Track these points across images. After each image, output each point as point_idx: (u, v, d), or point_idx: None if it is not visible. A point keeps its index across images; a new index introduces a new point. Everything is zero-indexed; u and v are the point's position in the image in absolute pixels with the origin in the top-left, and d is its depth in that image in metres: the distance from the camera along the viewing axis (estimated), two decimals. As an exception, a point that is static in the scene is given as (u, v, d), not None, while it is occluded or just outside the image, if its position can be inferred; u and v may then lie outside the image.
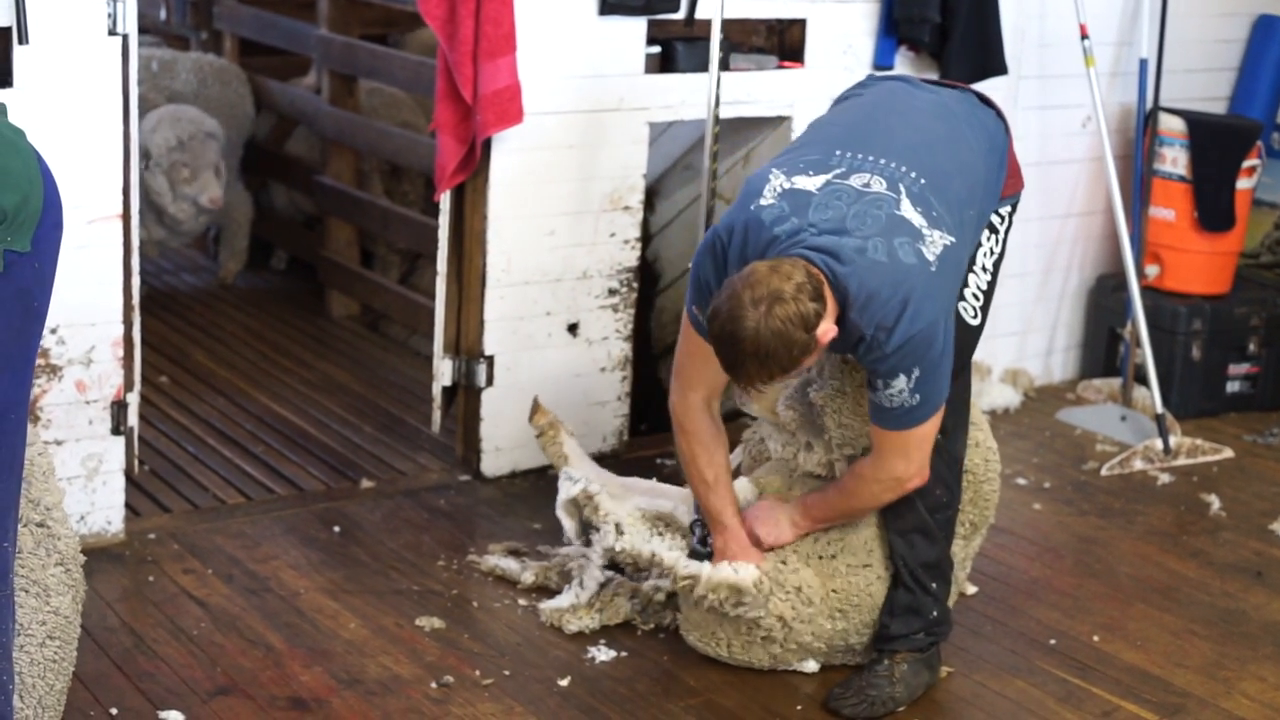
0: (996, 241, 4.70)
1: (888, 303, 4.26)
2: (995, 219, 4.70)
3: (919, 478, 4.54)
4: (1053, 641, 5.17)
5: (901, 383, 4.33)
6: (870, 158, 4.45)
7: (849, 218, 4.32)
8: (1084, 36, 6.83)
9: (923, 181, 4.41)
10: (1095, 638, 5.21)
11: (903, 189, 4.38)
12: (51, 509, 4.08)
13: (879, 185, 4.38)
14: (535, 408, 5.53)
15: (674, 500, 5.15)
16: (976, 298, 4.65)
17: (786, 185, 4.42)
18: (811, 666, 4.89)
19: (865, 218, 4.32)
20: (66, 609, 4.06)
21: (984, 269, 4.67)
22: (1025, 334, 7.47)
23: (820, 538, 4.78)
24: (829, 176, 4.41)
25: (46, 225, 3.55)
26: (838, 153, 4.48)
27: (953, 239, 4.38)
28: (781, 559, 4.76)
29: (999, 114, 4.80)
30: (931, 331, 4.30)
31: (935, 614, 4.77)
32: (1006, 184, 4.72)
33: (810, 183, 4.40)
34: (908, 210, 4.34)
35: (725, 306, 4.21)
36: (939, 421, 4.50)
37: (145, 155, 7.61)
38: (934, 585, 4.75)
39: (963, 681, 4.91)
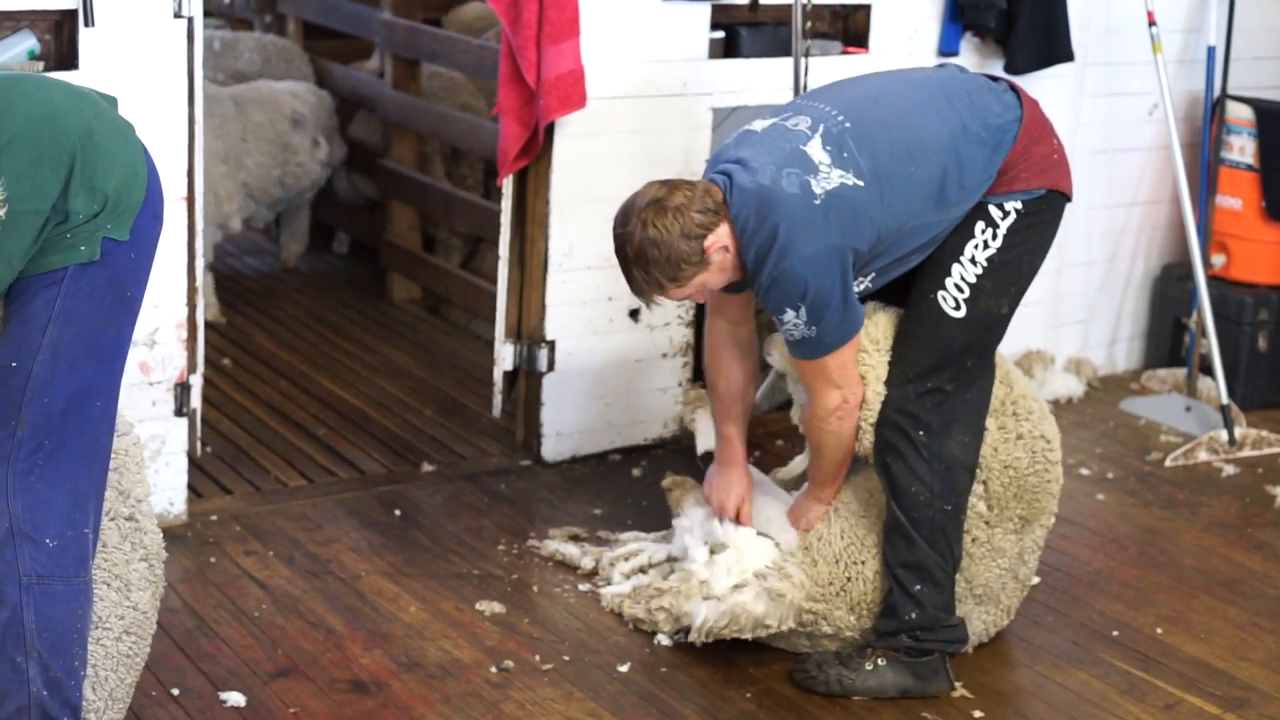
0: (994, 235, 4.57)
1: (759, 230, 4.40)
2: (995, 211, 4.57)
3: (854, 399, 4.62)
4: (1115, 633, 5.13)
5: (791, 315, 4.46)
6: (816, 104, 4.60)
7: (764, 150, 4.48)
8: (1151, 23, 6.77)
9: (847, 125, 4.50)
10: (1158, 630, 5.17)
11: (821, 128, 4.49)
12: (140, 502, 4.06)
13: (804, 124, 4.52)
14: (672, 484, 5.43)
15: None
16: (960, 289, 4.57)
17: (745, 128, 4.63)
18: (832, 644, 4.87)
19: (772, 149, 4.47)
20: (145, 605, 4.06)
21: (973, 260, 4.57)
22: (1089, 323, 7.42)
23: (847, 536, 4.77)
24: (776, 119, 4.58)
25: (146, 216, 3.63)
26: (798, 101, 4.70)
27: (859, 182, 4.43)
28: (812, 559, 4.77)
29: (1023, 114, 4.61)
30: (804, 269, 4.38)
31: (913, 616, 4.66)
32: (1015, 177, 4.58)
33: (760, 124, 4.59)
34: (814, 146, 4.46)
35: (618, 218, 4.55)
36: (852, 353, 4.57)
37: (296, 120, 7.85)
38: (916, 587, 4.65)
39: (1024, 672, 4.88)
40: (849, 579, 4.74)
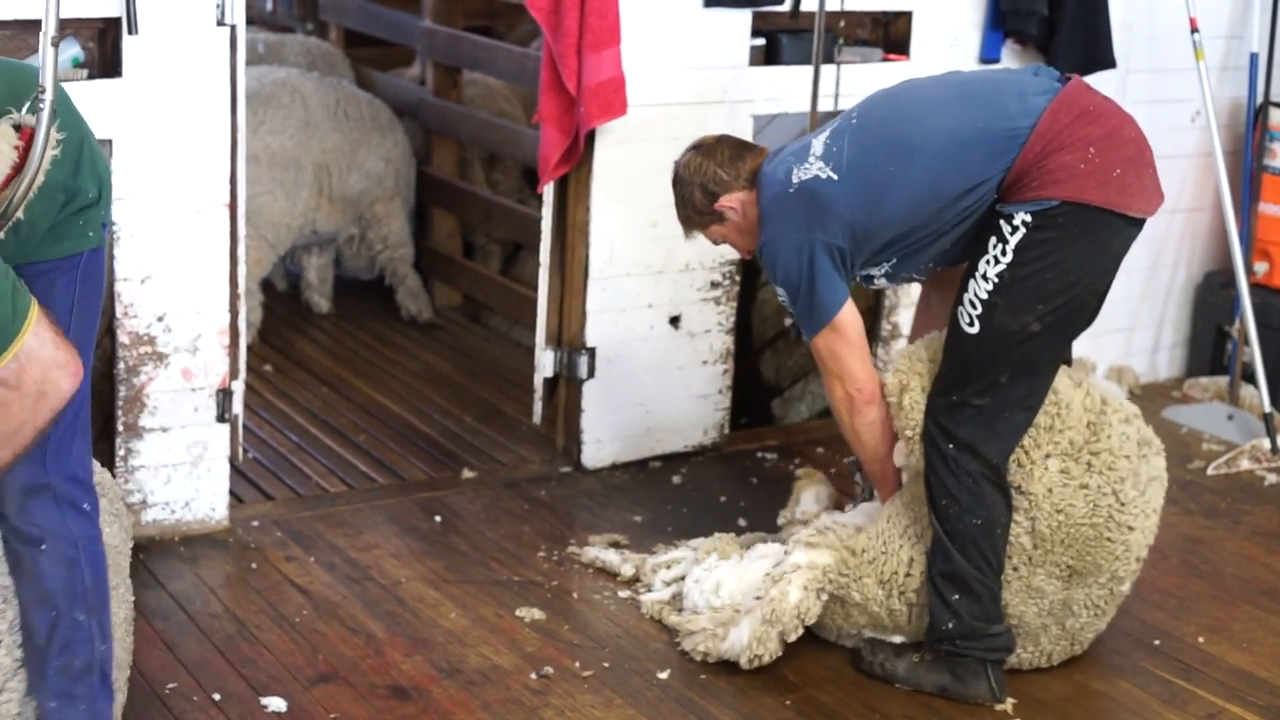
0: (1004, 251, 4.49)
1: (759, 205, 4.75)
2: (1004, 226, 4.49)
3: (859, 396, 4.73)
4: (1157, 642, 5.11)
5: (781, 292, 4.73)
6: (858, 103, 4.81)
7: (802, 140, 4.80)
8: (1194, 30, 6.74)
9: (855, 122, 4.69)
10: (1200, 639, 5.14)
11: (836, 124, 4.74)
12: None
13: (835, 120, 4.79)
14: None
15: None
16: (973, 305, 4.54)
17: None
18: (899, 640, 4.87)
19: (802, 139, 4.80)
20: (115, 538, 4.17)
21: (984, 277, 4.51)
22: (1131, 330, 7.39)
23: (891, 520, 4.82)
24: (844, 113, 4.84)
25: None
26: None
27: (833, 175, 4.59)
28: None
29: (1039, 121, 4.49)
30: (773, 250, 4.67)
31: (950, 626, 4.67)
32: (1026, 186, 4.47)
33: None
34: (819, 139, 4.70)
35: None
36: (840, 343, 4.67)
37: None
38: (954, 597, 4.66)
39: (1065, 681, 4.87)
40: (884, 554, 4.76)
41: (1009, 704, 4.71)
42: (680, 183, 4.91)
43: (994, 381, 4.56)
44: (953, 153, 4.52)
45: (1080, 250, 4.49)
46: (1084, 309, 4.60)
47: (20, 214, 3.48)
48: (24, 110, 3.50)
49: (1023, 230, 4.47)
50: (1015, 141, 4.48)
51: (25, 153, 3.47)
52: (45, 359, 3.51)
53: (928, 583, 4.71)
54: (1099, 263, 4.54)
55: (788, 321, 5.29)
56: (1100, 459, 4.71)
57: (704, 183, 4.83)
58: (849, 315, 4.66)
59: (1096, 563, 4.75)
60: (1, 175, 3.45)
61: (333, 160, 7.48)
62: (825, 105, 6.15)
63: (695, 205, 4.87)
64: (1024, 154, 4.47)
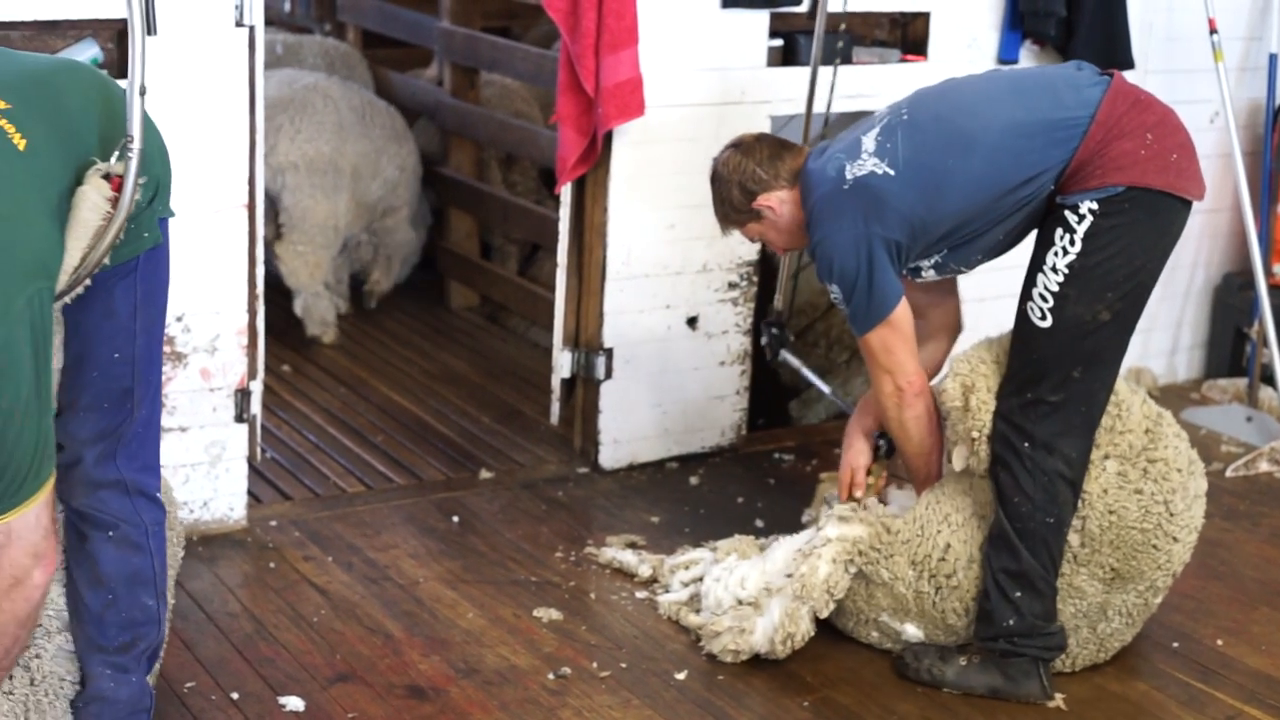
0: (1072, 241, 4.52)
1: (806, 207, 4.75)
2: (1070, 216, 4.53)
3: (909, 388, 4.75)
4: (1175, 644, 5.10)
5: (835, 289, 4.69)
6: (905, 99, 4.80)
7: (844, 137, 4.79)
8: (1213, 31, 6.73)
9: (905, 118, 4.68)
10: (1218, 641, 5.14)
11: (885, 120, 4.71)
12: None
13: (881, 115, 4.77)
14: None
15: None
16: (1044, 299, 4.56)
17: (875, 111, 4.92)
18: (912, 631, 4.86)
19: (847, 136, 4.78)
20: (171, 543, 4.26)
21: (1054, 269, 4.54)
22: (1149, 332, 7.38)
23: (931, 506, 4.84)
24: (883, 109, 4.83)
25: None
26: (907, 96, 4.84)
27: (889, 171, 4.59)
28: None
29: (1098, 110, 4.54)
30: (829, 248, 4.65)
31: (1011, 623, 4.68)
32: (1090, 174, 4.51)
33: (880, 110, 4.84)
34: (870, 136, 4.69)
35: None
36: (894, 338, 4.69)
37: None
38: (1016, 594, 4.67)
39: (1084, 683, 4.86)
40: (920, 536, 4.78)
41: (1059, 699, 4.73)
42: (718, 180, 4.92)
43: (1067, 376, 4.58)
44: (1012, 142, 4.56)
45: (1145, 235, 4.56)
46: (1145, 294, 4.66)
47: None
48: (113, 159, 3.49)
49: (1089, 218, 4.52)
50: (1076, 131, 4.54)
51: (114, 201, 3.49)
52: (29, 543, 3.45)
53: (988, 580, 4.71)
54: (1161, 246, 4.61)
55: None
56: (1156, 468, 4.75)
57: (742, 181, 4.84)
58: (904, 310, 4.69)
59: (1140, 569, 4.76)
60: (95, 226, 3.45)
61: (362, 165, 7.50)
62: (844, 106, 6.14)
63: (733, 203, 4.89)
64: (1085, 143, 4.52)
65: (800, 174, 4.80)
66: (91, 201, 3.44)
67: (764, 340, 5.78)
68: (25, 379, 3.28)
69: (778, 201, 4.83)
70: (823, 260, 4.69)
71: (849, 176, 4.63)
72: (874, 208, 4.59)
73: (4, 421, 3.26)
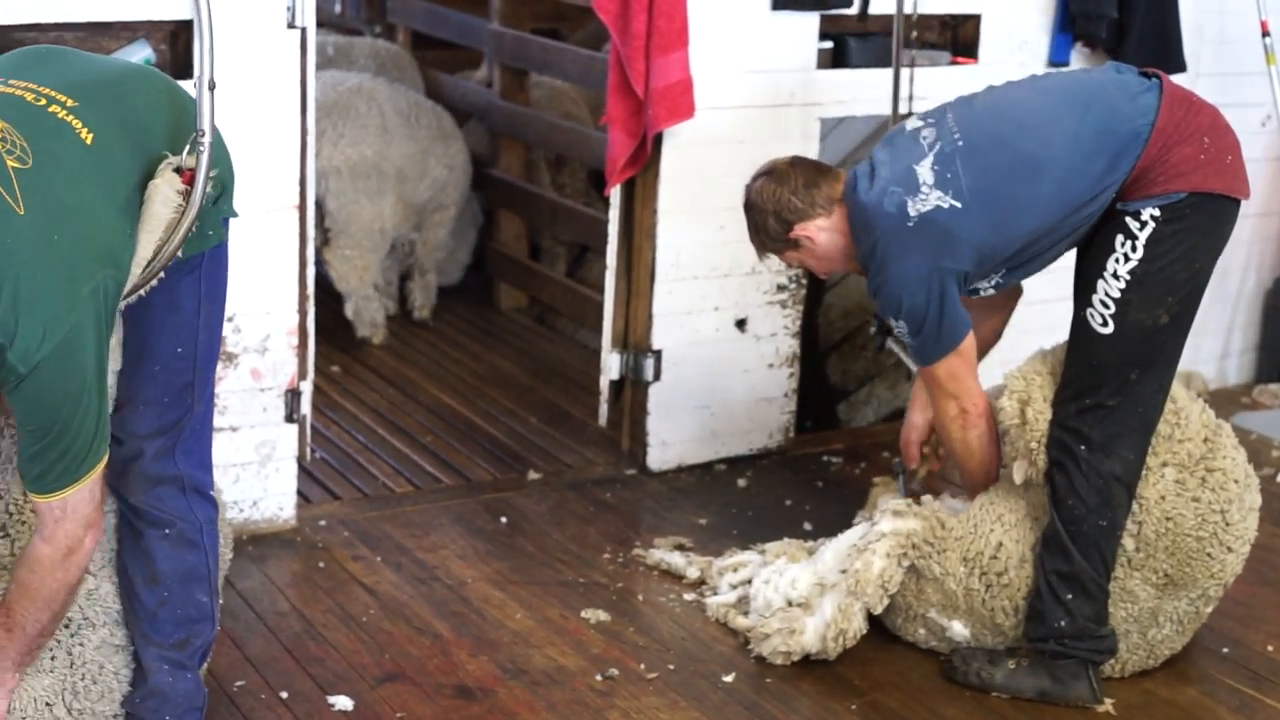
0: (1134, 247, 4.51)
1: (862, 243, 4.66)
2: (1132, 223, 4.52)
3: (973, 410, 4.76)
4: (1226, 650, 5.08)
5: (900, 324, 4.66)
6: (947, 117, 4.69)
7: (892, 156, 4.66)
8: (1265, 34, 6.70)
9: (959, 144, 4.60)
10: (1269, 648, 5.11)
11: (938, 146, 4.61)
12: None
13: (928, 139, 4.65)
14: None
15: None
16: (1105, 305, 4.55)
17: (903, 122, 4.85)
18: (958, 629, 4.85)
19: (895, 160, 4.65)
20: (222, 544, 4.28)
21: (1115, 275, 4.53)
22: (1200, 336, 7.33)
23: (985, 507, 4.84)
24: (921, 123, 4.72)
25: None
26: (941, 108, 4.77)
27: (956, 203, 4.53)
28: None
29: (1157, 118, 4.52)
30: (897, 286, 4.59)
31: (1062, 624, 4.67)
32: (1152, 181, 4.50)
33: (911, 123, 4.76)
34: (924, 166, 4.58)
35: (758, 170, 4.89)
36: (961, 365, 4.68)
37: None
38: (1068, 596, 4.66)
39: (1133, 689, 4.84)
40: (973, 534, 4.78)
41: (1108, 704, 4.72)
42: (752, 209, 4.83)
43: (1125, 380, 4.58)
44: (1077, 161, 4.53)
45: (1204, 238, 4.58)
46: (1200, 294, 4.66)
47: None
48: (184, 154, 3.55)
49: (1152, 225, 4.52)
50: (1138, 141, 4.52)
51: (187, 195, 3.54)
52: (83, 515, 3.57)
53: (1040, 581, 4.71)
54: (1216, 248, 4.64)
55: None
56: (1214, 477, 4.74)
57: (778, 210, 4.76)
58: (971, 338, 4.69)
59: (1194, 575, 4.75)
60: (167, 219, 3.51)
61: (407, 166, 7.51)
62: (887, 109, 6.13)
63: (769, 233, 4.81)
64: (1147, 151, 4.52)
65: (846, 203, 4.71)
66: (164, 195, 3.50)
67: (873, 329, 5.65)
68: (90, 363, 3.39)
69: (816, 230, 4.76)
70: (890, 298, 4.62)
71: (912, 213, 4.55)
72: (944, 243, 4.54)
73: (73, 404, 3.38)
